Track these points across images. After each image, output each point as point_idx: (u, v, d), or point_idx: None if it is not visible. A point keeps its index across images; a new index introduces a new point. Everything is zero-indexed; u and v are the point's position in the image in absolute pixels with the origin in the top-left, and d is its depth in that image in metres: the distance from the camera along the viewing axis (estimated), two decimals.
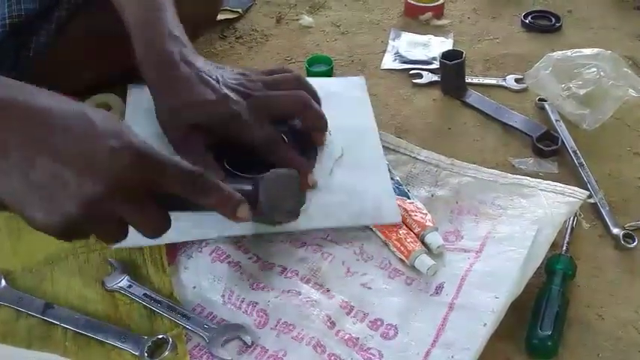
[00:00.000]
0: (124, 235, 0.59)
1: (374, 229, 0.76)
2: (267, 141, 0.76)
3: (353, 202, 0.77)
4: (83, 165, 0.53)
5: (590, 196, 0.80)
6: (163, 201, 0.58)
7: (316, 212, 0.75)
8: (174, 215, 0.60)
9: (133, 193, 0.55)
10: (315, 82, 0.83)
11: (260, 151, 0.76)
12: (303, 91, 0.79)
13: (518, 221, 0.74)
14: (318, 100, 0.81)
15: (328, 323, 0.66)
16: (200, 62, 0.77)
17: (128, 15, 0.78)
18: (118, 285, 0.70)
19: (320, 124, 0.80)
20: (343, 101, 0.89)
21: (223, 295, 0.69)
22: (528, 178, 0.81)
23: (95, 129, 0.54)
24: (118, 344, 0.65)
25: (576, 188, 0.78)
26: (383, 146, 0.85)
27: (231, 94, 0.75)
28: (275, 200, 0.64)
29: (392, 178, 0.81)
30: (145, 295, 0.69)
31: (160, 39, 0.76)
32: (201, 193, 0.59)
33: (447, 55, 1.00)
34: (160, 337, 0.65)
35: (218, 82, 0.76)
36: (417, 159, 0.85)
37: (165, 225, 0.59)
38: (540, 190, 0.78)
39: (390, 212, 0.77)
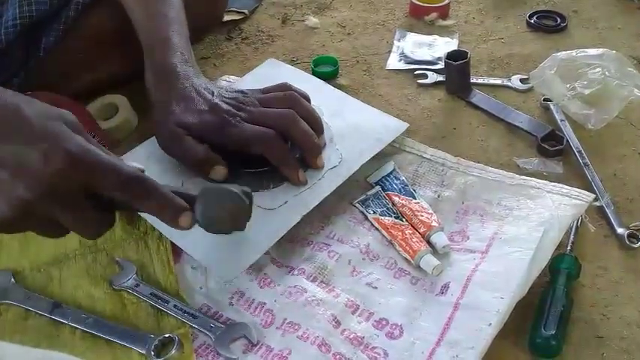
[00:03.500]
0: (64, 232, 0.58)
1: (379, 228, 0.76)
2: (260, 136, 0.76)
3: (367, 134, 0.86)
4: (15, 167, 0.52)
5: (596, 199, 0.80)
6: (107, 200, 0.58)
7: (349, 157, 0.82)
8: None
9: (67, 196, 0.55)
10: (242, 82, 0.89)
11: (258, 149, 0.76)
12: (294, 110, 0.78)
13: (525, 222, 0.74)
14: (315, 120, 0.81)
15: (333, 322, 0.67)
16: (200, 80, 0.79)
17: (141, 33, 0.82)
18: (126, 284, 0.71)
19: (307, 141, 0.78)
20: (277, 78, 0.87)
21: (232, 297, 0.70)
22: (535, 179, 0.81)
23: (30, 130, 0.53)
24: (125, 343, 0.66)
25: (582, 191, 0.78)
26: (389, 145, 0.86)
27: (222, 105, 0.77)
28: (210, 215, 0.62)
29: (397, 178, 0.82)
30: (151, 294, 0.70)
31: (166, 58, 0.79)
32: (141, 198, 0.58)
33: (452, 56, 1.00)
34: (167, 336, 0.65)
35: (212, 94, 0.78)
36: (424, 157, 0.86)
37: (104, 226, 0.59)
38: (547, 191, 0.78)
39: (396, 123, 0.89)
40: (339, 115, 0.88)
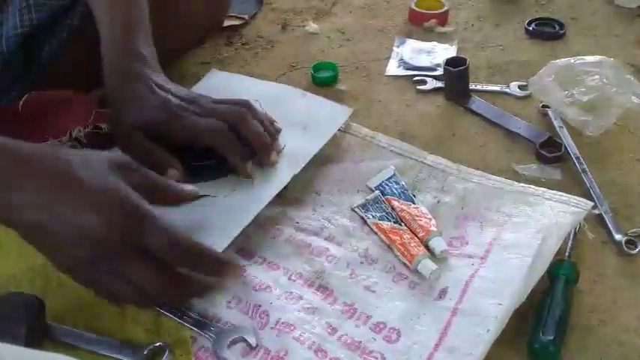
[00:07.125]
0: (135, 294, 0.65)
1: (378, 232, 0.76)
2: (211, 128, 0.77)
3: (312, 125, 0.88)
4: (76, 233, 0.60)
5: (594, 207, 0.80)
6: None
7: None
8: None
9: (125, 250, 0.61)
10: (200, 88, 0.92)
11: (208, 140, 0.78)
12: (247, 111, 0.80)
13: (523, 229, 0.75)
14: (268, 123, 0.83)
15: (329, 329, 0.66)
16: (158, 78, 0.80)
17: (104, 35, 0.82)
18: None
19: (257, 138, 0.79)
20: (225, 91, 0.88)
21: (229, 302, 0.70)
22: (533, 186, 0.81)
23: (86, 194, 0.60)
24: (115, 355, 0.65)
25: (581, 199, 0.78)
26: (389, 150, 0.87)
27: (173, 99, 0.78)
28: None
29: (397, 183, 0.82)
30: None
31: (125, 57, 0.80)
32: (182, 261, 0.66)
33: (450, 62, 1.01)
34: (157, 345, 0.65)
35: (168, 92, 0.79)
36: (424, 163, 0.86)
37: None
38: (545, 199, 0.78)
39: (339, 110, 0.91)
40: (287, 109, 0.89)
